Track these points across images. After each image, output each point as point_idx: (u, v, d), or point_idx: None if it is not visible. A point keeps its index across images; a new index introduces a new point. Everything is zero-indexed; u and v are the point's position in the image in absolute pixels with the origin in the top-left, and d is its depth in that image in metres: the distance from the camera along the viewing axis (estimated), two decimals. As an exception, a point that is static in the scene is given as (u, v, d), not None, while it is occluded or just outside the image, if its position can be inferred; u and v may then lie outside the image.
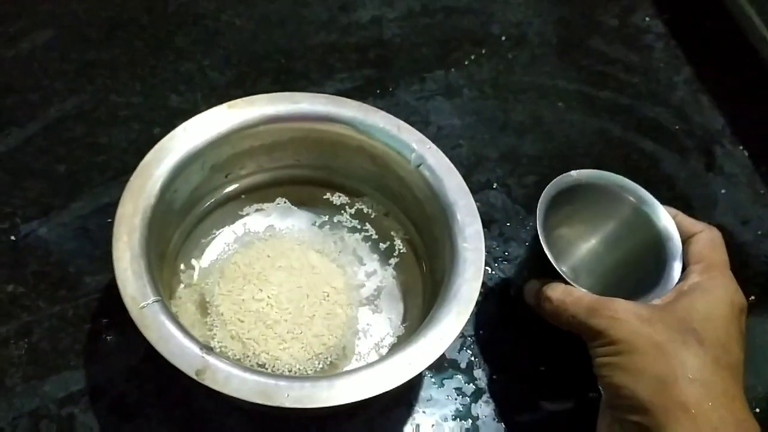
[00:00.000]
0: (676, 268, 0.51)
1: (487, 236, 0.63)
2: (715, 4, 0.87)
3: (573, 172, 0.54)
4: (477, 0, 0.85)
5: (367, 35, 0.79)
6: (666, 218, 0.53)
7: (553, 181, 0.53)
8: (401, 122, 0.55)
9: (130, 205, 0.47)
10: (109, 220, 0.58)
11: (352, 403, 0.42)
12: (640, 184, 0.56)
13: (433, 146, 0.54)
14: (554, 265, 0.49)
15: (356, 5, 0.81)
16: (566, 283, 0.50)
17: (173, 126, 0.51)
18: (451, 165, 0.53)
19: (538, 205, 0.51)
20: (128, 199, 0.47)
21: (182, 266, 0.54)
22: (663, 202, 0.60)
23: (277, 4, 0.79)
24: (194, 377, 0.41)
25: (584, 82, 0.79)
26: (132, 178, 0.48)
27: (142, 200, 0.47)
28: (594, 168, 0.56)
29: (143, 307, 0.43)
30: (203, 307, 0.51)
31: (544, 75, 0.79)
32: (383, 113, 0.55)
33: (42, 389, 0.51)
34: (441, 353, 0.44)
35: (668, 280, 0.50)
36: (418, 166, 0.53)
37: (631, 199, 0.55)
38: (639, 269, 0.54)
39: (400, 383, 0.43)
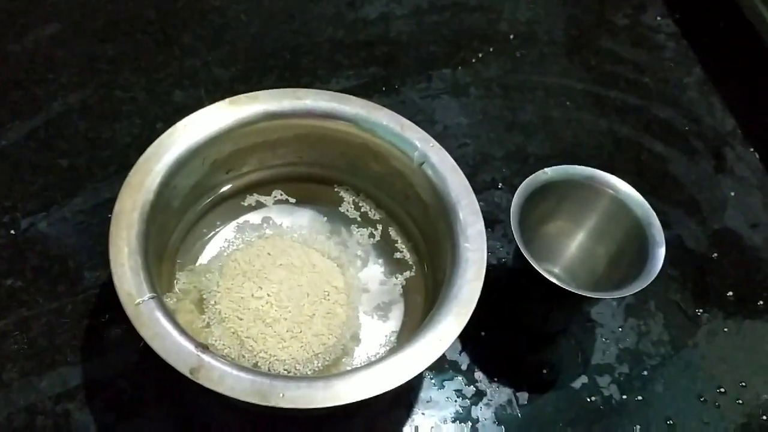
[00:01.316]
0: (659, 255, 0.51)
1: (491, 236, 0.63)
2: (728, 4, 0.85)
3: (547, 169, 0.54)
4: (486, -3, 0.84)
5: (374, 32, 0.78)
6: (643, 204, 0.54)
7: (526, 180, 0.53)
8: (405, 120, 0.54)
9: (128, 200, 0.46)
10: (110, 216, 0.58)
11: (350, 403, 0.41)
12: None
13: (437, 144, 0.53)
14: (531, 262, 0.49)
15: (364, 1, 0.80)
16: (548, 281, 0.49)
17: (176, 121, 0.51)
18: (455, 164, 0.53)
19: (512, 206, 0.51)
20: (127, 195, 0.47)
21: (181, 263, 0.53)
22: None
23: (283, -1, 0.79)
24: (188, 375, 0.40)
25: (593, 82, 0.78)
26: (131, 174, 0.47)
27: (141, 196, 0.47)
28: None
29: (139, 303, 0.42)
30: (201, 304, 0.51)
31: (552, 74, 0.78)
32: (387, 111, 0.54)
33: (39, 385, 0.50)
34: (440, 354, 0.44)
35: (652, 267, 0.50)
36: (421, 164, 0.53)
37: (608, 189, 0.55)
38: (626, 258, 0.54)
39: (399, 384, 0.42)
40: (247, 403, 0.41)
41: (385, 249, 0.57)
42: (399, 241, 0.57)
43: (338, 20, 0.78)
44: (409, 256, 0.56)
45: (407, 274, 0.56)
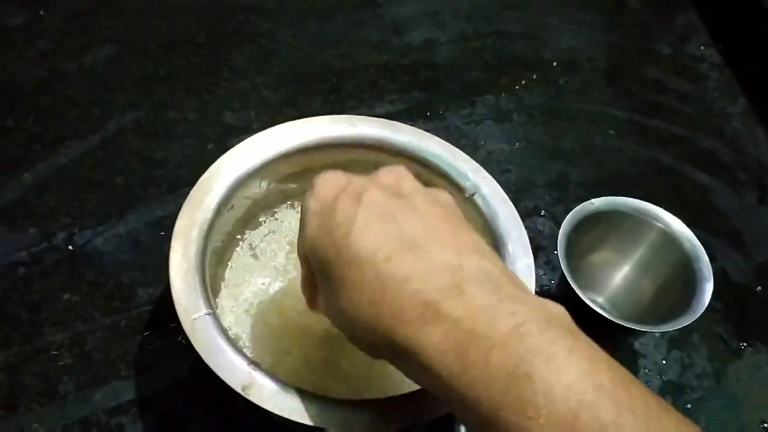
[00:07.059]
0: (707, 289, 0.51)
1: (534, 264, 0.63)
2: (773, 35, 0.86)
3: (594, 200, 0.55)
4: (529, 25, 0.85)
5: (418, 57, 0.79)
6: (691, 238, 0.54)
7: (573, 211, 0.54)
8: (457, 150, 0.55)
9: (187, 218, 0.48)
10: (163, 233, 0.60)
11: (395, 428, 0.42)
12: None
13: (488, 176, 0.54)
14: (577, 291, 0.49)
15: (409, 28, 0.82)
16: (593, 310, 0.49)
17: (227, 142, 0.53)
18: (505, 196, 0.53)
19: (559, 235, 0.52)
20: (186, 212, 0.48)
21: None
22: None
23: (331, 24, 0.81)
24: (240, 392, 0.41)
25: (636, 111, 0.78)
26: (192, 192, 0.49)
27: (200, 213, 0.48)
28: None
29: (195, 319, 0.43)
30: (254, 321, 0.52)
31: (595, 102, 0.78)
32: (438, 139, 0.55)
33: (93, 398, 0.52)
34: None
35: (700, 301, 0.50)
36: (472, 195, 0.53)
37: (657, 223, 0.55)
38: (672, 292, 0.54)
39: (446, 411, 0.43)
40: (294, 422, 0.42)
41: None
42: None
43: (383, 45, 0.80)
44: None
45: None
